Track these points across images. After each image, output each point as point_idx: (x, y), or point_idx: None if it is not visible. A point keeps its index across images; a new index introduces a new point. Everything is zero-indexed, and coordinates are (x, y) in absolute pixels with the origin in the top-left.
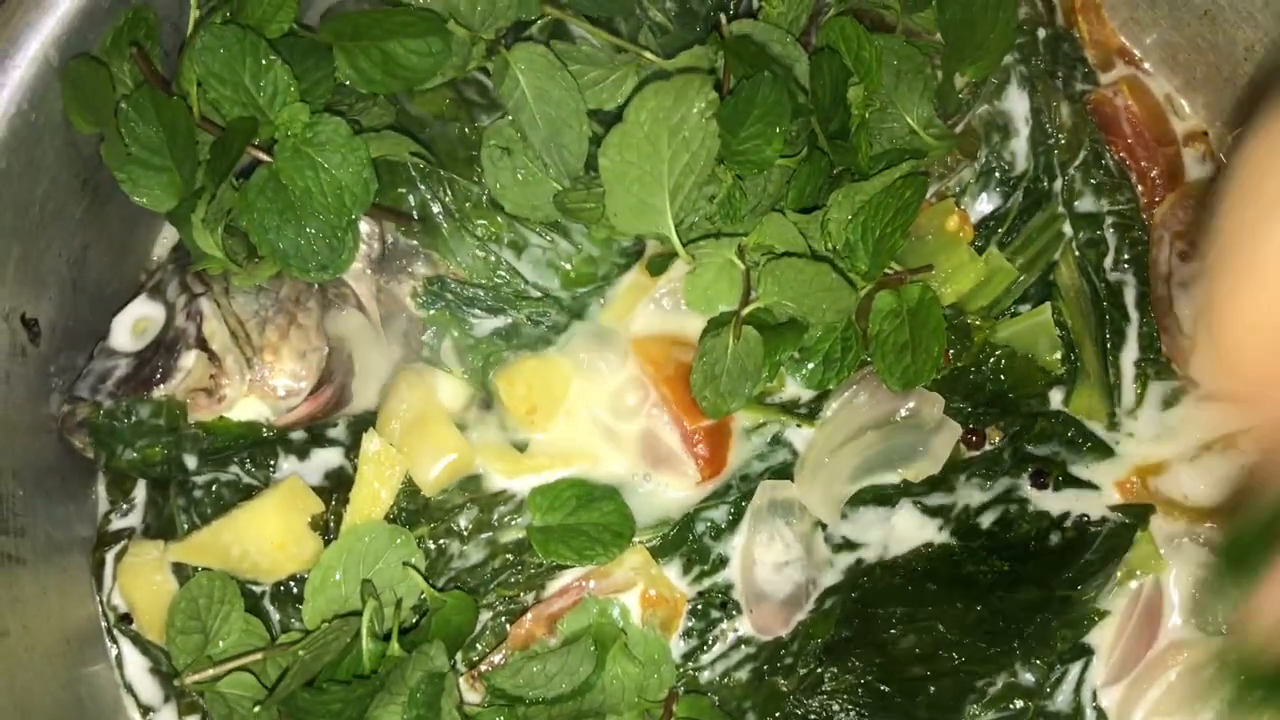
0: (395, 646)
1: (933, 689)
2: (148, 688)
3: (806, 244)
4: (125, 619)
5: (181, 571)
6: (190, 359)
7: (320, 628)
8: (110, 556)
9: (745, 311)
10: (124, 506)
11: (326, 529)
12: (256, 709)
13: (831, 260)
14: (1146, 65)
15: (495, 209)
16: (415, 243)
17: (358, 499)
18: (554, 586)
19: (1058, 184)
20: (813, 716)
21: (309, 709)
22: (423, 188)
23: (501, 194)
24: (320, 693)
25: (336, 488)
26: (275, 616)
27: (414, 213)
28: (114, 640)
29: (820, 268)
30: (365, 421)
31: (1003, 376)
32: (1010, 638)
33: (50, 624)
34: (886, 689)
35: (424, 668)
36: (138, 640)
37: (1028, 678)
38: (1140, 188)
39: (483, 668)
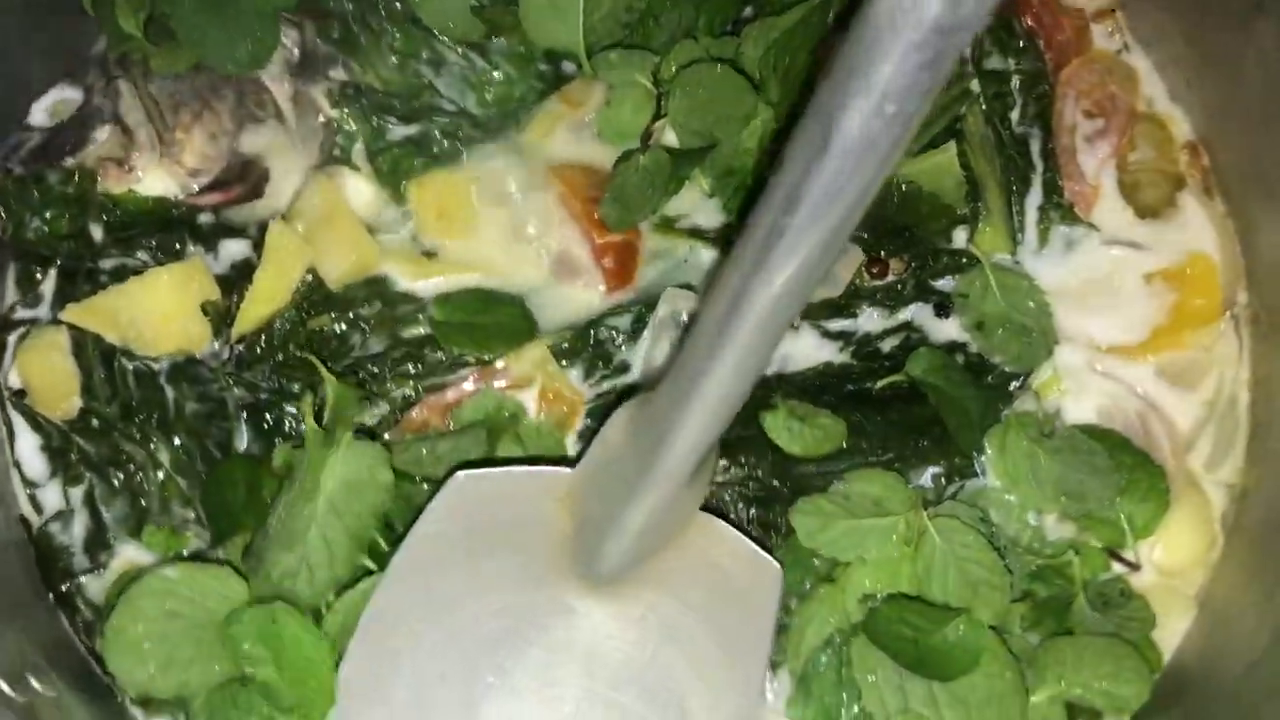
0: None
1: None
2: (35, 464)
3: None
4: (19, 394)
5: (81, 354)
6: (104, 132)
7: None
8: (11, 339)
9: (656, 126)
10: (31, 298)
11: (225, 317)
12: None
13: (733, 62)
14: None
15: (414, 24)
16: (334, 49)
17: (260, 283)
18: (452, 381)
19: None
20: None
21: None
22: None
23: (420, 5)
24: None
25: (241, 278)
26: (170, 395)
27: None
28: (5, 417)
29: (725, 71)
30: None
31: (907, 212)
32: (905, 447)
33: None
34: (777, 483)
35: None
36: (29, 415)
37: (924, 484)
38: (1048, 53)
39: None
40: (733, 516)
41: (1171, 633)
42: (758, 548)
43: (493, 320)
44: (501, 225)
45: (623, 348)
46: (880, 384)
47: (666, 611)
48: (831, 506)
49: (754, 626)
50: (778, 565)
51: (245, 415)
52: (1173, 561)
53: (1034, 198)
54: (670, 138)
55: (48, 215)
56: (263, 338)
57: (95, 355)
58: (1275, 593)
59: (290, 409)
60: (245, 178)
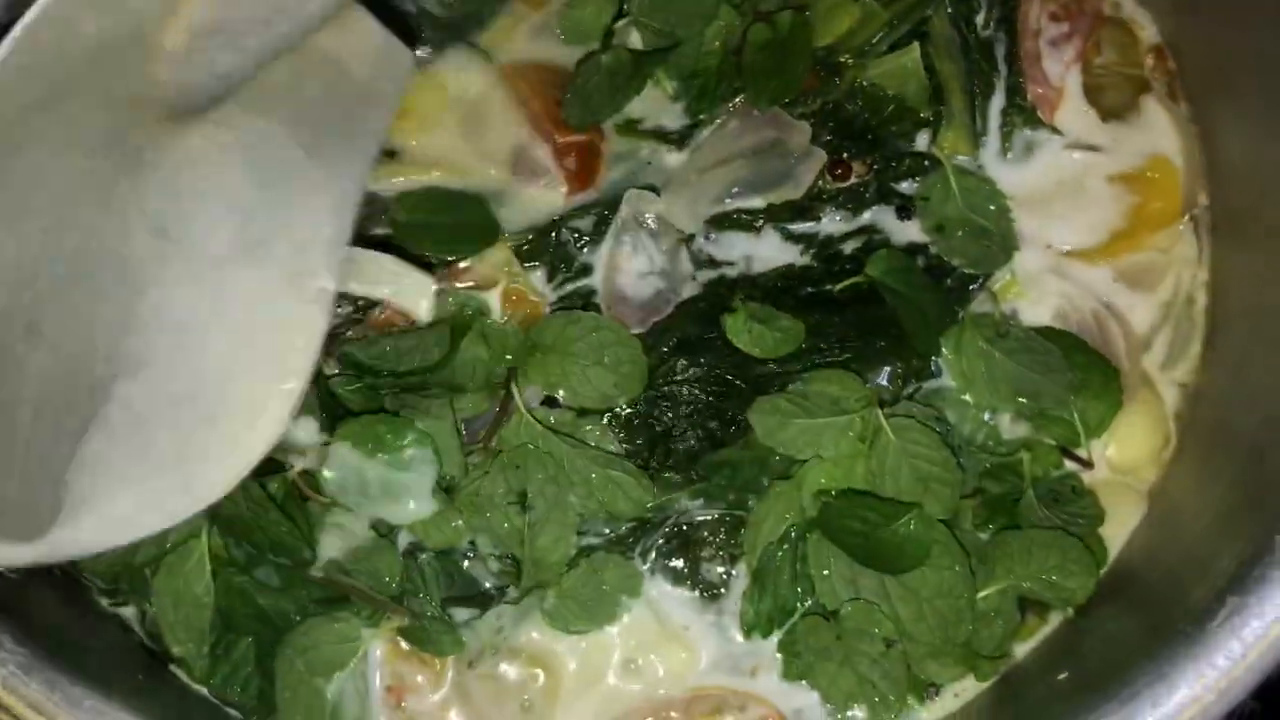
0: None
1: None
2: None
3: None
4: None
5: None
6: None
7: None
8: None
9: (619, 26)
10: None
11: None
12: None
13: None
14: None
15: None
16: None
17: None
18: None
19: None
20: (663, 400)
21: None
22: None
23: None
24: None
25: None
26: None
27: None
28: None
29: None
30: None
31: (871, 114)
32: (863, 348)
33: None
34: (735, 380)
35: None
36: None
37: (881, 384)
38: None
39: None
40: (689, 410)
41: (1121, 528)
42: (392, 39)
43: (455, 220)
44: (462, 126)
45: (585, 249)
46: (840, 286)
47: (251, 139)
48: (790, 405)
49: (362, 135)
50: (408, 52)
51: None
52: (1125, 459)
53: (997, 101)
54: (633, 39)
55: None
56: None
57: None
58: (1217, 487)
59: None
60: None
